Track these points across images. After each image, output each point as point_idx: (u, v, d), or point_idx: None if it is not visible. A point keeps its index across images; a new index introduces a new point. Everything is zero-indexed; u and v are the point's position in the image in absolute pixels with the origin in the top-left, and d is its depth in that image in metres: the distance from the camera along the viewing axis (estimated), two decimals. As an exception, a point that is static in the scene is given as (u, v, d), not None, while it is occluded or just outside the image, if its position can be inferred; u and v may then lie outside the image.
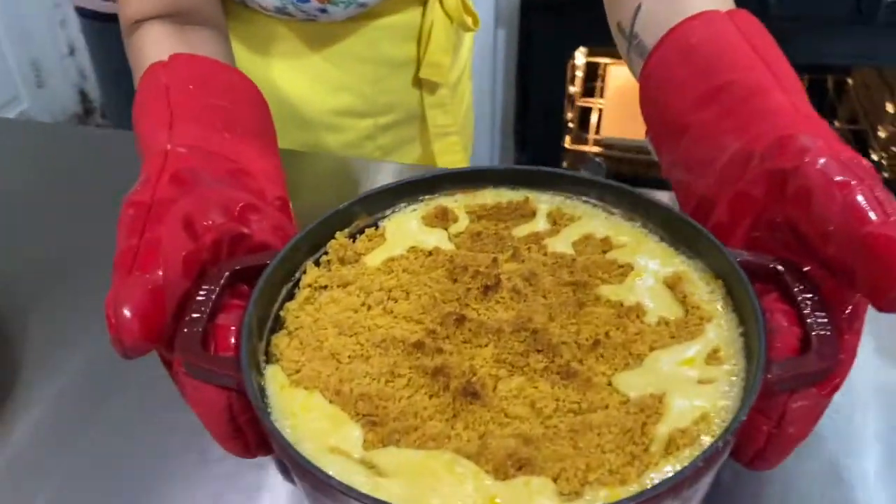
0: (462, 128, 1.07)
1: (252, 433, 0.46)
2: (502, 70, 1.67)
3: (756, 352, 0.43)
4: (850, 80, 1.74)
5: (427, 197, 0.57)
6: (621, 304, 0.50)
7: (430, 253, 0.54)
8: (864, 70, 1.69)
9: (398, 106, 0.98)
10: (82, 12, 1.33)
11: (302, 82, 0.91)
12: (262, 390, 0.45)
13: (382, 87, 0.95)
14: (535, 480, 0.39)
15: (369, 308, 0.50)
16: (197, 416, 0.47)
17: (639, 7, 0.66)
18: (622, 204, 0.55)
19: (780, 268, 0.48)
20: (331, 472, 0.38)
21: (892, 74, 1.57)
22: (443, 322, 0.48)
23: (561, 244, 0.54)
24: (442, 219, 0.56)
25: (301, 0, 0.81)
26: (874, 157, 1.59)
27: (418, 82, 0.97)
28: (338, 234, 0.54)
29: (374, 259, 0.54)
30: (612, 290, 0.50)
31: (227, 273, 0.49)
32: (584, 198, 0.57)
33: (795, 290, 0.47)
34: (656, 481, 0.39)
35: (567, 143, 1.60)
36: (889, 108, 1.55)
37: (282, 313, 0.50)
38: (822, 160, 0.47)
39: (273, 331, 0.49)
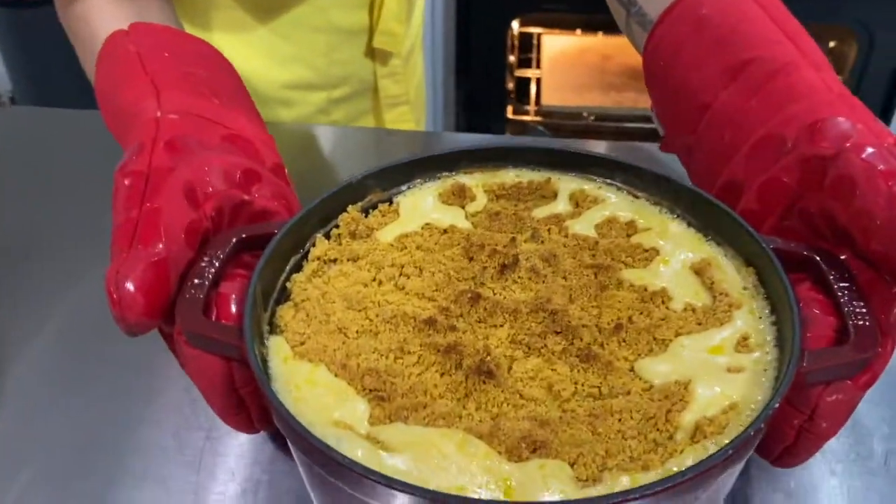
0: (414, 98, 1.04)
1: (254, 406, 0.44)
2: (441, 41, 1.65)
3: (789, 341, 0.41)
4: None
5: (444, 174, 0.55)
6: (645, 289, 0.47)
7: (446, 231, 0.52)
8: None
9: (351, 78, 0.95)
10: None
11: (251, 56, 0.86)
12: (265, 361, 0.42)
13: (335, 59, 0.91)
14: (551, 463, 0.37)
15: (380, 283, 0.48)
16: (198, 389, 0.45)
17: None
18: (648, 187, 0.53)
19: (815, 256, 0.46)
20: (333, 446, 0.36)
21: (817, 31, 1.55)
22: (457, 300, 0.46)
23: (583, 226, 0.52)
24: (459, 197, 0.54)
25: None
26: None
27: (371, 52, 0.95)
28: (350, 208, 0.52)
29: (386, 235, 0.51)
30: (636, 275, 0.48)
31: (233, 240, 0.47)
32: (608, 180, 0.54)
33: (831, 278, 0.44)
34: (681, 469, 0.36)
35: (509, 113, 1.59)
36: None
37: (288, 285, 0.48)
38: (867, 148, 0.44)
39: (278, 302, 0.47)
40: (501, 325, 0.45)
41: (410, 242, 0.51)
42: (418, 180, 0.54)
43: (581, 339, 0.44)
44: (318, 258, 0.49)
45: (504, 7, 1.64)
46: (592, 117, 1.51)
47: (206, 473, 0.52)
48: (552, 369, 0.42)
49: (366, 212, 0.53)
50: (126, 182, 0.45)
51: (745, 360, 0.42)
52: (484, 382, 0.41)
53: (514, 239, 0.50)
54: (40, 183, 0.82)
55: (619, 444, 0.38)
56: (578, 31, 1.78)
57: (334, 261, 0.49)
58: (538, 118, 1.55)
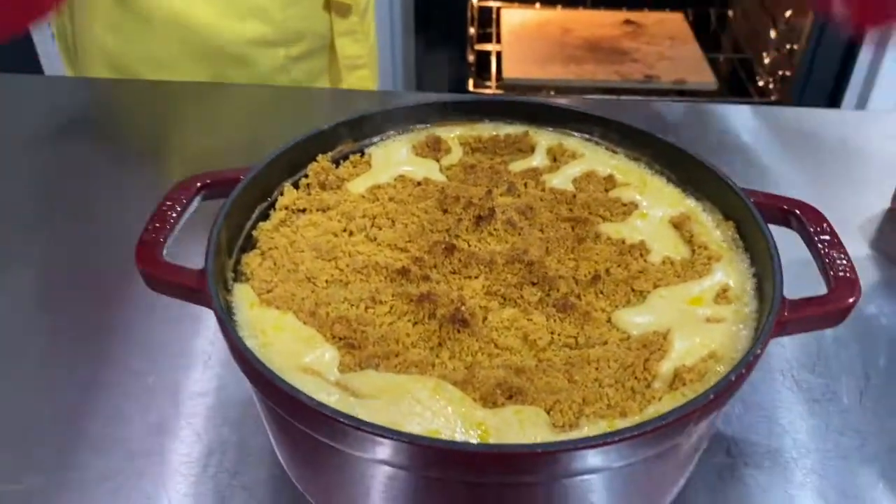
0: (372, 61, 1.04)
1: None
2: (400, 13, 1.63)
3: (769, 292, 0.40)
4: (730, 12, 1.75)
5: (418, 126, 0.53)
6: (623, 242, 0.46)
7: (420, 183, 0.50)
8: (744, 0, 1.71)
9: (308, 33, 0.93)
10: None
11: (207, 9, 0.86)
12: (229, 308, 0.40)
13: (292, 13, 0.91)
14: (527, 409, 0.35)
15: (351, 234, 0.46)
16: None
17: None
18: (628, 142, 0.52)
19: (795, 210, 0.45)
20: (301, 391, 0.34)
21: (773, 1, 1.58)
22: (430, 251, 0.45)
23: (560, 181, 0.50)
24: (434, 149, 0.52)
25: None
26: (761, 82, 1.59)
27: (328, 6, 0.94)
28: (319, 157, 0.50)
29: (357, 186, 0.50)
30: (614, 228, 0.47)
31: (197, 185, 0.44)
32: (586, 135, 0.53)
33: (811, 230, 0.43)
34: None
35: (470, 86, 1.58)
36: (772, 33, 1.56)
37: (254, 233, 0.46)
38: None
39: (244, 250, 0.45)
40: (476, 277, 0.44)
41: (383, 194, 0.49)
42: (391, 132, 0.53)
43: (558, 290, 0.43)
44: (287, 207, 0.47)
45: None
46: (553, 91, 1.50)
47: (170, 436, 0.50)
48: (528, 319, 0.41)
49: (336, 162, 0.51)
50: None
51: (724, 311, 0.41)
52: (458, 331, 0.40)
53: (490, 192, 0.49)
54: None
55: (596, 391, 0.37)
56: (537, 5, 1.78)
57: (303, 210, 0.47)
58: (499, 91, 1.53)
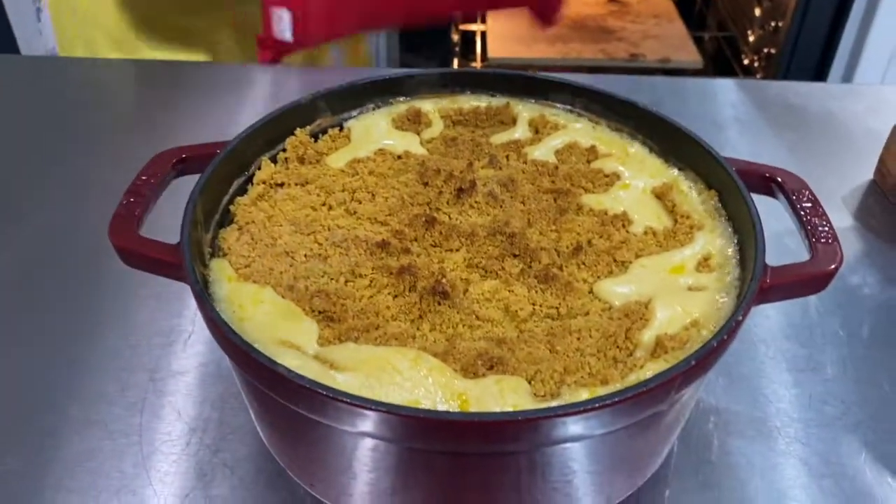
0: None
1: None
2: None
3: (751, 260, 0.40)
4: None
5: (398, 99, 0.53)
6: (605, 213, 0.46)
7: (400, 156, 0.50)
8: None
9: None
10: None
11: None
12: (206, 283, 0.40)
13: None
14: (508, 379, 0.35)
15: (330, 208, 0.46)
16: None
17: None
18: (610, 113, 0.51)
19: (777, 177, 0.45)
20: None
21: None
22: (411, 224, 0.44)
23: (542, 152, 0.50)
24: (414, 122, 0.52)
25: None
26: (746, 61, 1.60)
27: None
28: (298, 131, 0.49)
29: (337, 160, 0.49)
30: (596, 199, 0.46)
31: (173, 160, 0.44)
32: (568, 106, 0.52)
33: (794, 198, 0.43)
34: (642, 383, 0.35)
35: (455, 66, 1.57)
36: (757, 11, 1.56)
37: (231, 208, 0.45)
38: None
39: (221, 225, 0.44)
40: (457, 250, 0.43)
41: (362, 168, 0.48)
42: (370, 105, 0.52)
43: (539, 262, 0.42)
44: (264, 182, 0.46)
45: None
46: (538, 70, 1.50)
47: (150, 415, 0.49)
48: (509, 291, 0.41)
49: (315, 137, 0.50)
50: None
51: (706, 279, 0.41)
52: (439, 304, 0.40)
53: (471, 164, 0.48)
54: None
55: (577, 361, 0.37)
56: (522, -16, 1.77)
57: (281, 185, 0.47)
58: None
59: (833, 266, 0.39)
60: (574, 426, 0.32)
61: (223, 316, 0.36)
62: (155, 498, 0.44)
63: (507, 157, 0.50)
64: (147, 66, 0.87)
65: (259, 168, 0.47)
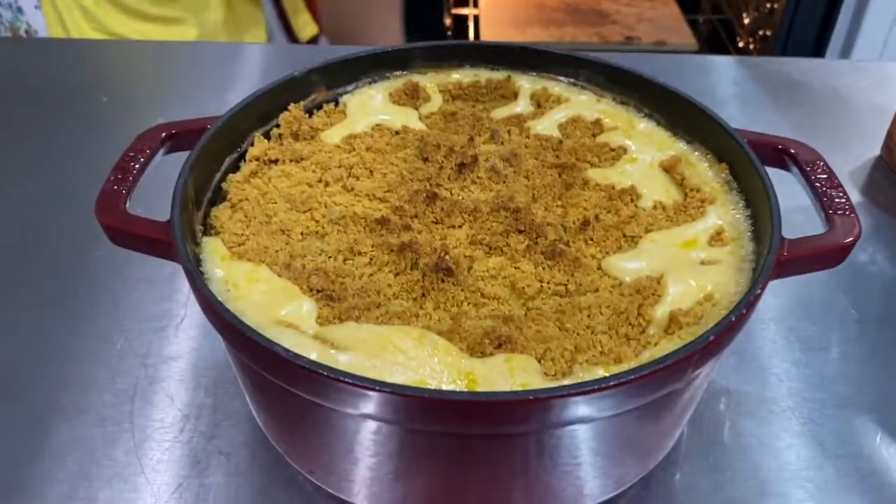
0: None
1: None
2: None
3: (766, 233, 0.38)
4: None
5: (395, 73, 0.51)
6: (613, 188, 0.44)
7: (398, 132, 0.48)
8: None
9: None
10: None
11: None
12: (198, 261, 0.38)
13: None
14: (518, 357, 0.33)
15: (326, 184, 0.44)
16: None
17: None
18: (614, 86, 0.49)
19: (791, 149, 0.43)
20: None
21: None
22: (411, 200, 0.42)
23: (545, 126, 0.48)
24: (412, 97, 0.50)
25: None
26: (741, 43, 1.58)
27: None
28: (292, 106, 0.47)
29: (332, 136, 0.47)
30: (603, 174, 0.45)
31: (162, 135, 0.42)
32: (571, 79, 0.51)
33: (808, 169, 0.42)
34: (657, 360, 0.33)
35: None
36: None
37: (224, 185, 0.43)
38: None
39: (213, 203, 0.42)
40: (460, 226, 0.42)
41: (359, 143, 0.47)
42: (366, 79, 0.50)
43: (546, 238, 0.40)
44: (257, 158, 0.45)
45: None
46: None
47: (142, 401, 0.48)
48: (515, 267, 0.39)
49: (309, 112, 0.48)
50: None
51: (719, 253, 0.39)
52: (442, 281, 0.38)
53: (472, 139, 0.46)
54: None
55: (588, 339, 0.35)
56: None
57: (275, 161, 0.45)
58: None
59: (851, 238, 0.38)
60: (588, 406, 0.30)
61: (217, 296, 0.34)
62: (148, 486, 0.43)
63: (509, 131, 0.48)
64: (130, 46, 0.84)
65: (252, 144, 0.45)
